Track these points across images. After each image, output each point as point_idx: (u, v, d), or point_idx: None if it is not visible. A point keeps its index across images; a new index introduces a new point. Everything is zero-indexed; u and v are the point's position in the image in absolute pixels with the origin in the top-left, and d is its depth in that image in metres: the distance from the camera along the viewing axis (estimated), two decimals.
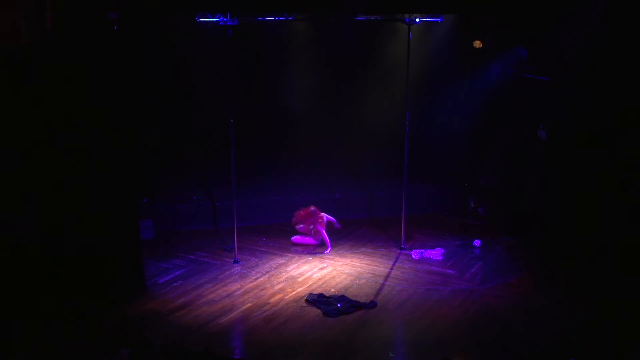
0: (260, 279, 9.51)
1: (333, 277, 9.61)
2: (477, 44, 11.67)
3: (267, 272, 9.79)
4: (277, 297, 8.90)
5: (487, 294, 9.02)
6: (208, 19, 9.42)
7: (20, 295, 7.94)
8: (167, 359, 7.01)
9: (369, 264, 10.13)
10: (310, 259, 10.37)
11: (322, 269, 9.95)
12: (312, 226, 10.88)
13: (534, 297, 8.88)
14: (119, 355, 6.52)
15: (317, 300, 8.70)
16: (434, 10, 9.96)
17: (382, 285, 9.32)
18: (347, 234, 11.47)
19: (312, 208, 10.82)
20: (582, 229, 9.46)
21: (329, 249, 10.66)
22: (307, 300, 8.73)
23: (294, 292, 9.04)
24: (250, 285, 9.31)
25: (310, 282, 9.39)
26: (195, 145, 12.53)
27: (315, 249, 10.79)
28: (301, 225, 11.05)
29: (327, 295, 8.89)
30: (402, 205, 10.57)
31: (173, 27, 11.15)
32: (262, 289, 9.15)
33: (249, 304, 8.67)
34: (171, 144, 12.29)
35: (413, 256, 10.43)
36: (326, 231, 10.76)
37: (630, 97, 8.81)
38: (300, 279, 9.52)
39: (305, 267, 9.99)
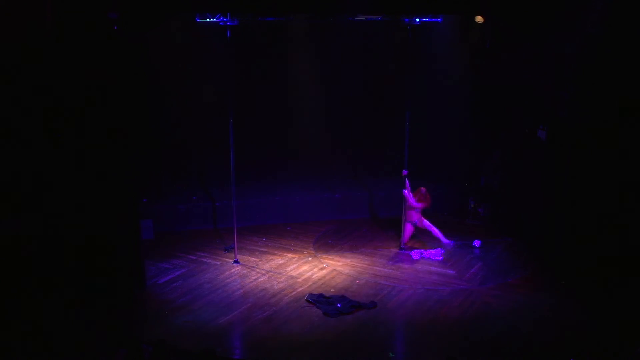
0: (260, 279, 9.51)
1: (333, 277, 9.61)
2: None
3: (267, 272, 9.79)
4: (277, 297, 8.90)
5: (487, 294, 9.03)
6: (208, 19, 9.42)
7: (19, 295, 7.93)
8: (167, 359, 7.00)
9: (369, 264, 10.13)
10: (310, 259, 10.37)
11: (322, 269, 9.95)
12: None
13: (534, 297, 8.88)
14: (119, 355, 6.52)
15: (317, 300, 8.70)
16: (434, 10, 9.97)
17: (382, 285, 9.32)
18: (347, 234, 11.48)
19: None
20: (581, 229, 9.46)
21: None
22: (307, 300, 8.74)
23: (294, 292, 9.04)
24: (250, 285, 9.31)
25: (310, 282, 9.40)
26: (195, 145, 12.52)
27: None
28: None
29: (327, 295, 8.89)
30: (402, 205, 10.56)
31: (173, 27, 11.17)
32: (262, 289, 9.15)
33: (249, 304, 8.67)
34: (171, 144, 12.29)
35: (413, 256, 10.43)
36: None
37: (631, 97, 8.81)
38: (300, 279, 9.52)
39: (305, 267, 9.99)
